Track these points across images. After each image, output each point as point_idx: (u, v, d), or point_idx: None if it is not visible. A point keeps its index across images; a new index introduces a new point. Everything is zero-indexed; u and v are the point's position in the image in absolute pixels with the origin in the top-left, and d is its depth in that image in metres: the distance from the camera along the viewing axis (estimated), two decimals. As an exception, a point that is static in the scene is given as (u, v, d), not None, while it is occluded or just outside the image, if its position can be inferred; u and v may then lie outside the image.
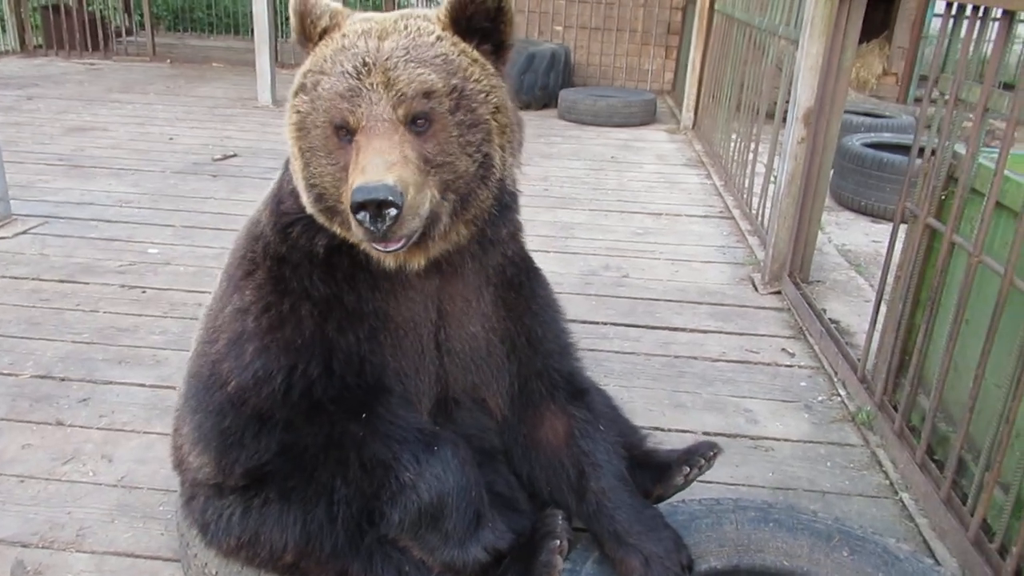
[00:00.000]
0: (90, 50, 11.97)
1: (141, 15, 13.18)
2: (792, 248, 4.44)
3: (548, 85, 9.86)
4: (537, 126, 8.88)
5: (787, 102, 4.56)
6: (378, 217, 1.53)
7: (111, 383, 3.28)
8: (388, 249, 1.62)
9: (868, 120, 7.68)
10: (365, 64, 1.64)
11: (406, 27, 1.70)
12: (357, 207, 1.52)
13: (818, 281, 4.56)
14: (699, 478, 2.50)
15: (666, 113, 9.86)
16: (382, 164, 1.55)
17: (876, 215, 6.16)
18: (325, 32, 1.76)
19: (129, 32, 13.47)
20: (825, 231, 5.48)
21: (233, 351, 1.87)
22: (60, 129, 7.64)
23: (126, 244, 4.81)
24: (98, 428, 2.98)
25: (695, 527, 2.08)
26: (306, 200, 1.78)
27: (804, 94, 4.23)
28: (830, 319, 3.99)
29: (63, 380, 3.29)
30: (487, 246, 1.91)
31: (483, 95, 1.70)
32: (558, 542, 1.86)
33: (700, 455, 2.21)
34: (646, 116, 9.22)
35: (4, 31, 11.97)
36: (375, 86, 1.62)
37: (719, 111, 7.34)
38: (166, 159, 6.76)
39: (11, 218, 5.01)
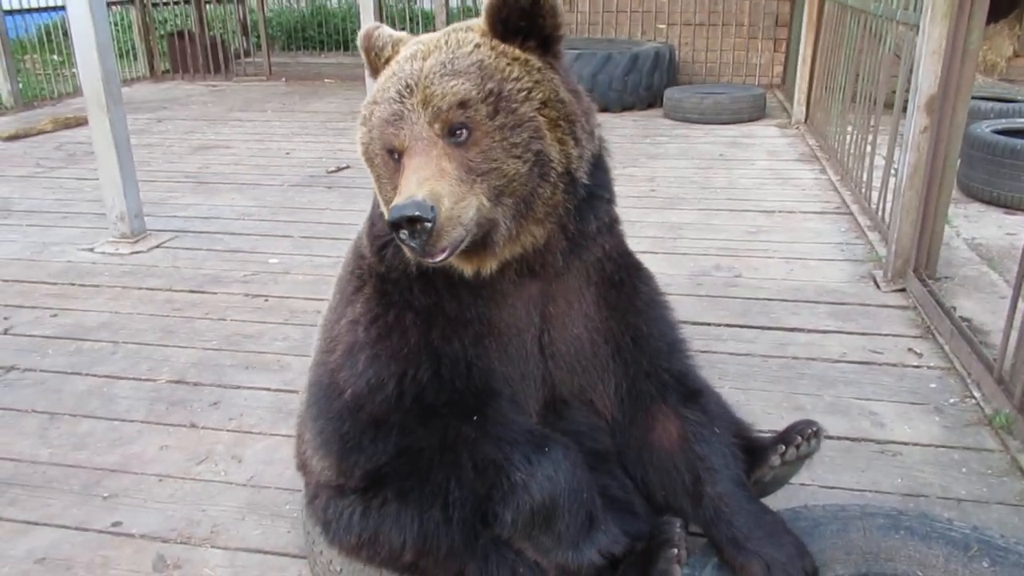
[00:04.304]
0: (212, 72, 12.62)
1: (257, 37, 13.81)
2: (917, 243, 4.22)
3: (652, 85, 9.73)
4: (643, 127, 8.79)
5: (907, 90, 4.34)
6: (414, 233, 1.56)
7: (239, 387, 3.45)
8: (435, 260, 1.63)
9: (998, 105, 7.21)
10: (407, 86, 1.68)
11: (447, 42, 1.73)
12: (393, 227, 1.57)
13: (946, 277, 4.32)
14: (822, 483, 2.42)
15: (776, 108, 9.56)
16: (415, 181, 1.59)
17: (1009, 206, 5.78)
18: (388, 61, 1.83)
19: (247, 54, 14.13)
20: (953, 224, 5.18)
21: (348, 361, 1.95)
22: (187, 148, 8.10)
23: (249, 255, 5.06)
24: (228, 430, 3.14)
25: (819, 533, 2.00)
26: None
27: (926, 81, 4.02)
28: (961, 317, 3.77)
29: (195, 385, 3.48)
30: (578, 241, 1.88)
31: (524, 93, 1.69)
32: (676, 551, 1.83)
33: (797, 433, 2.06)
34: (755, 112, 8.97)
35: (135, 59, 12.80)
36: (415, 106, 1.66)
37: (833, 103, 7.06)
38: (284, 173, 7.06)
39: (146, 233, 5.35)
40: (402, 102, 1.68)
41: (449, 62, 1.68)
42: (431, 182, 1.59)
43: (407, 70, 1.71)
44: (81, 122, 8.36)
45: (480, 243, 1.70)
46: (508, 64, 1.70)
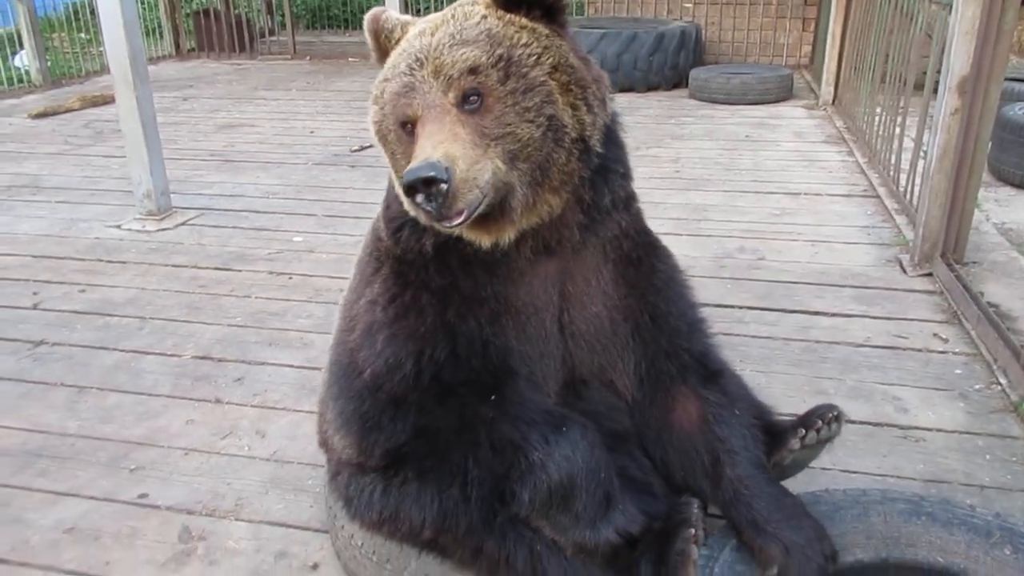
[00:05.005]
0: (237, 51, 12.67)
1: (282, 15, 13.83)
2: (945, 227, 4.16)
3: (678, 64, 9.64)
4: (668, 107, 8.71)
5: (938, 71, 4.26)
6: (431, 196, 1.55)
7: (263, 364, 3.49)
8: (452, 224, 1.63)
9: (1033, 87, 7.06)
10: (418, 60, 1.70)
11: (453, 16, 1.75)
12: (408, 191, 1.57)
13: (974, 262, 4.26)
14: (843, 467, 2.41)
15: (804, 89, 9.43)
16: (429, 146, 1.59)
17: (1042, 190, 5.68)
18: (397, 43, 1.83)
19: (271, 32, 14.16)
20: (983, 208, 5.10)
21: (367, 341, 1.96)
22: (212, 127, 8.15)
23: (274, 233, 5.09)
24: (252, 406, 3.18)
25: (839, 517, 1.99)
26: (405, 205, 1.84)
27: (958, 61, 3.94)
28: (988, 302, 3.71)
29: (220, 361, 3.53)
30: (593, 214, 1.89)
31: (534, 58, 1.70)
32: (693, 531, 1.82)
33: (818, 417, 2.04)
34: (782, 92, 8.85)
35: (161, 37, 12.87)
36: (426, 77, 1.68)
37: (862, 84, 6.95)
38: (308, 151, 7.08)
39: (172, 211, 5.40)
40: (413, 74, 1.69)
41: (458, 33, 1.70)
42: (445, 145, 1.59)
43: (416, 45, 1.73)
44: (108, 100, 8.44)
45: (497, 210, 1.70)
46: (516, 31, 1.71)
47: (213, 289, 4.28)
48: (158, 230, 5.15)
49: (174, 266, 4.60)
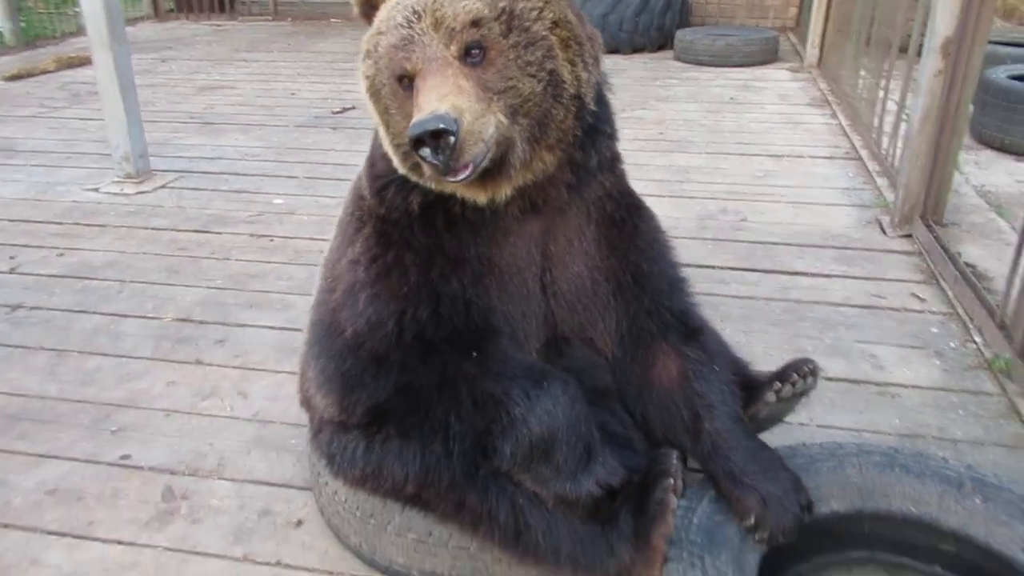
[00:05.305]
0: (217, 12, 12.42)
1: (262, -24, 13.56)
2: (925, 189, 4.18)
3: (664, 26, 9.55)
4: (652, 69, 8.65)
5: (923, 34, 4.25)
6: (438, 149, 1.54)
7: (244, 325, 3.48)
8: (458, 178, 1.62)
9: (1016, 51, 7.03)
10: (415, 12, 1.66)
11: None
12: (415, 143, 1.54)
13: (953, 224, 4.29)
14: (820, 423, 2.44)
15: (789, 51, 9.39)
16: (435, 97, 1.57)
17: (1021, 153, 5.71)
18: None
19: (252, -7, 13.89)
20: (963, 171, 5.12)
21: (349, 300, 1.96)
22: (192, 89, 8.03)
23: (254, 196, 5.05)
24: (233, 367, 3.17)
25: (815, 469, 2.02)
26: (396, 162, 1.83)
27: (942, 23, 3.93)
28: (966, 263, 3.75)
29: (201, 323, 3.51)
30: (581, 174, 1.89)
31: (536, 11, 1.68)
32: (672, 480, 1.85)
33: (794, 370, 2.06)
34: (767, 55, 8.81)
35: (139, -2, 12.61)
36: (426, 30, 1.64)
37: (847, 47, 6.93)
38: (289, 113, 7.00)
39: (151, 173, 5.34)
40: (411, 27, 1.66)
41: None
42: (451, 97, 1.57)
43: None
44: (84, 62, 8.29)
45: (496, 166, 1.69)
46: None
47: (193, 252, 4.24)
48: (137, 193, 5.09)
49: (153, 229, 4.55)
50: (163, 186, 5.21)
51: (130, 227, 4.58)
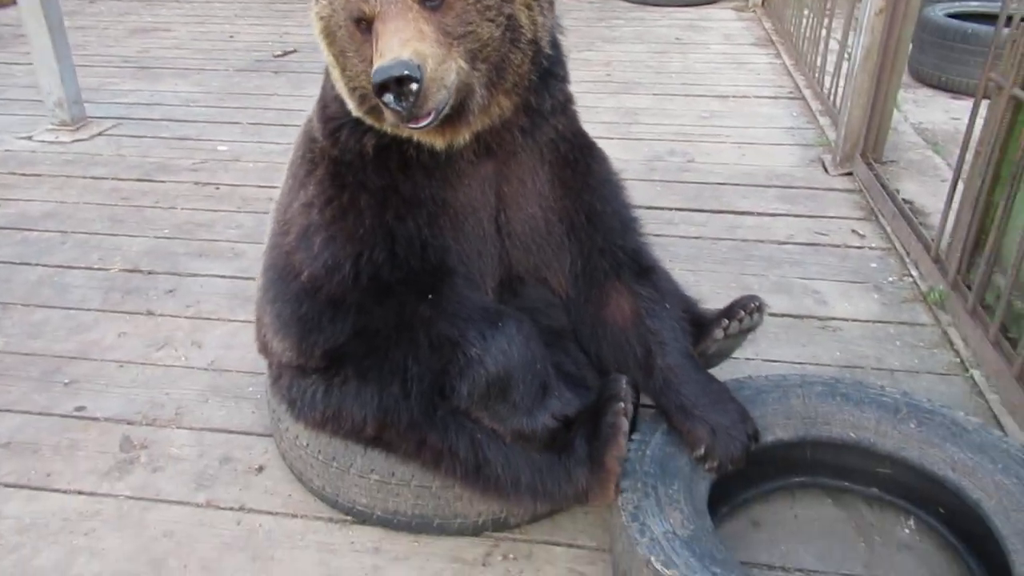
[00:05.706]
0: (145, -51, 11.87)
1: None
2: (866, 127, 4.28)
3: (609, -35, 9.44)
4: (599, 9, 8.58)
5: (864, -29, 4.30)
6: (401, 95, 1.54)
7: (195, 275, 3.44)
8: (420, 125, 1.63)
9: (953, -11, 7.18)
10: None
11: None
12: (379, 89, 1.54)
13: (892, 161, 4.41)
14: (765, 357, 2.52)
15: (734, -10, 9.39)
16: (397, 43, 1.56)
17: (957, 91, 5.86)
18: None
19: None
20: (901, 109, 5.24)
21: (303, 243, 1.96)
22: (124, 31, 7.72)
23: (197, 143, 4.92)
24: (186, 317, 3.15)
25: (761, 400, 2.12)
26: (351, 105, 1.82)
27: (883, -39, 3.98)
28: (904, 199, 3.88)
29: (150, 273, 3.46)
30: (535, 118, 1.91)
31: None
32: (623, 404, 1.92)
33: (741, 307, 2.14)
34: (712, -6, 8.81)
35: (61, -67, 11.94)
36: None
37: (790, -15, 6.96)
38: (228, 57, 6.79)
39: (86, 120, 5.16)
40: None
41: None
42: (413, 43, 1.56)
43: None
44: (7, 2, 7.88)
45: (455, 112, 1.70)
46: None
47: (136, 201, 4.15)
48: (73, 141, 4.92)
49: (93, 178, 4.43)
50: (100, 133, 5.05)
51: (68, 176, 4.44)
